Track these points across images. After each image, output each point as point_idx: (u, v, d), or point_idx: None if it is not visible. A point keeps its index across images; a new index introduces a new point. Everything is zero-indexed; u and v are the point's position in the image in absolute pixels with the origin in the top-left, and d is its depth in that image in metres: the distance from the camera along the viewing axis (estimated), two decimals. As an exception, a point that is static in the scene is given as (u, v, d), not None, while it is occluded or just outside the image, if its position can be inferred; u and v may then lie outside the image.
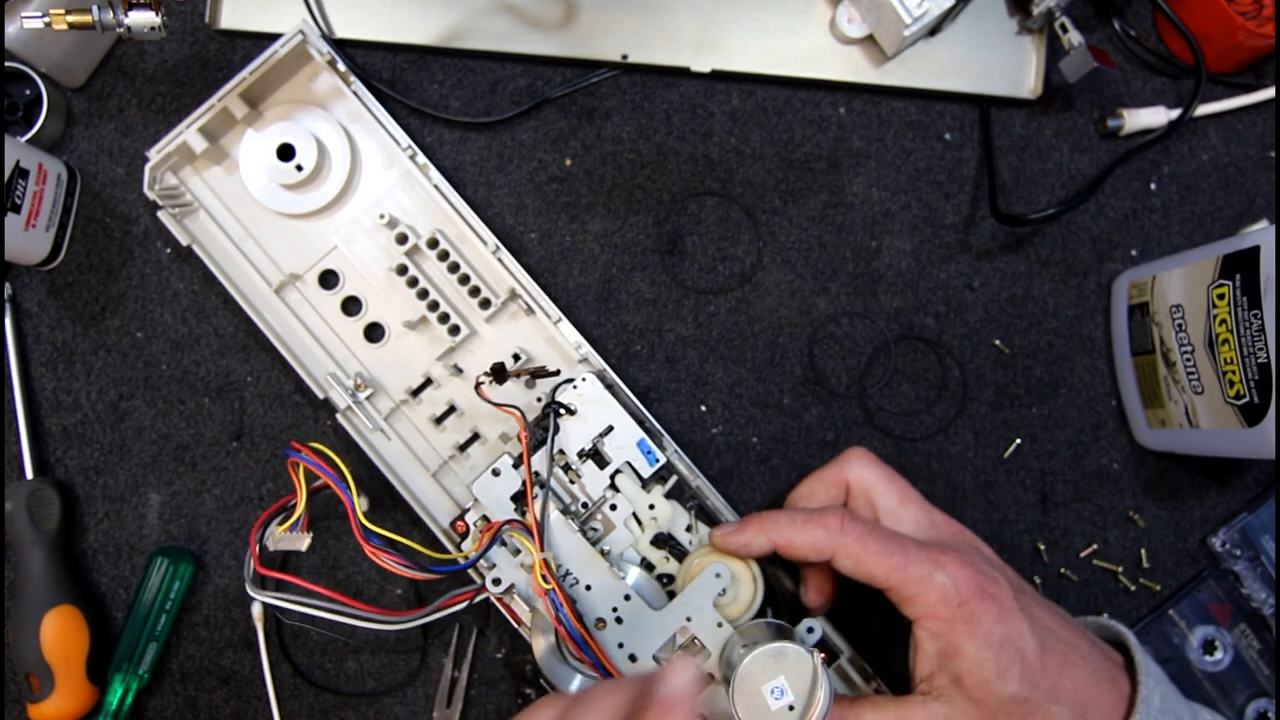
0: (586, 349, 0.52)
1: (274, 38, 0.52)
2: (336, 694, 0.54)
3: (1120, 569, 0.56)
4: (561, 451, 0.50)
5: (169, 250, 0.56)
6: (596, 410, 0.50)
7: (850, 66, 0.57)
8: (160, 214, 0.52)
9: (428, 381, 0.54)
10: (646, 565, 0.50)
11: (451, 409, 0.54)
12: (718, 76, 0.57)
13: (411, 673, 0.55)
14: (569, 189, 0.57)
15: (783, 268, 0.57)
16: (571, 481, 0.50)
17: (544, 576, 0.46)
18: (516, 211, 0.57)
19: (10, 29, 0.52)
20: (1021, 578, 0.44)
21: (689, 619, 0.47)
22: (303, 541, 0.48)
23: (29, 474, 0.54)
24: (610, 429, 0.50)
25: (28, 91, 0.55)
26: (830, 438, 0.56)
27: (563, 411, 0.50)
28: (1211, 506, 0.57)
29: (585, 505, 0.50)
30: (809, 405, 0.57)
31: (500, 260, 0.52)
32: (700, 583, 0.48)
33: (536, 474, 0.48)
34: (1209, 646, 0.55)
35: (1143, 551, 0.56)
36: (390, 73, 0.57)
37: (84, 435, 0.55)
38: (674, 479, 0.51)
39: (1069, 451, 0.57)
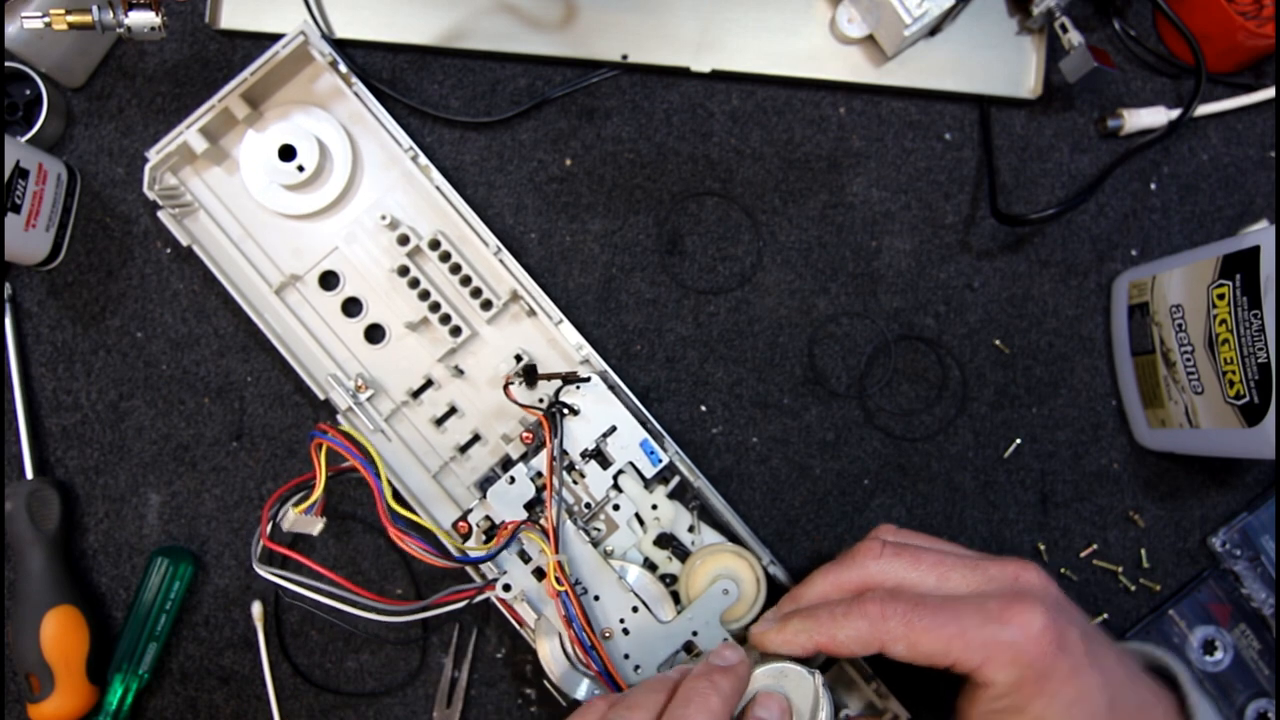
0: (587, 350, 0.52)
1: (274, 38, 0.52)
2: (336, 694, 0.54)
3: (1120, 569, 0.56)
4: (565, 452, 0.50)
5: (169, 250, 0.56)
6: (599, 410, 0.50)
7: (850, 66, 0.57)
8: (160, 214, 0.52)
9: (428, 383, 0.54)
10: (649, 565, 0.50)
11: (452, 410, 0.54)
12: (718, 76, 0.57)
13: (411, 673, 0.55)
14: (569, 189, 0.57)
15: (783, 268, 0.57)
16: (575, 482, 0.50)
17: (557, 579, 0.46)
18: (516, 211, 0.57)
19: (10, 29, 0.52)
20: (1086, 616, 0.41)
21: (695, 633, 0.48)
22: (316, 525, 0.48)
23: (29, 474, 0.54)
24: (613, 429, 0.50)
25: (28, 91, 0.55)
26: (830, 438, 0.56)
27: (566, 412, 0.50)
28: (1211, 506, 0.57)
29: (588, 506, 0.50)
30: (809, 405, 0.57)
31: (502, 261, 0.52)
32: (708, 597, 0.48)
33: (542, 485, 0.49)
34: (1209, 646, 0.55)
35: (1143, 551, 0.56)
36: (390, 73, 0.57)
37: (84, 435, 0.55)
38: (676, 479, 0.52)
39: (1069, 451, 0.57)
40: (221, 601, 0.55)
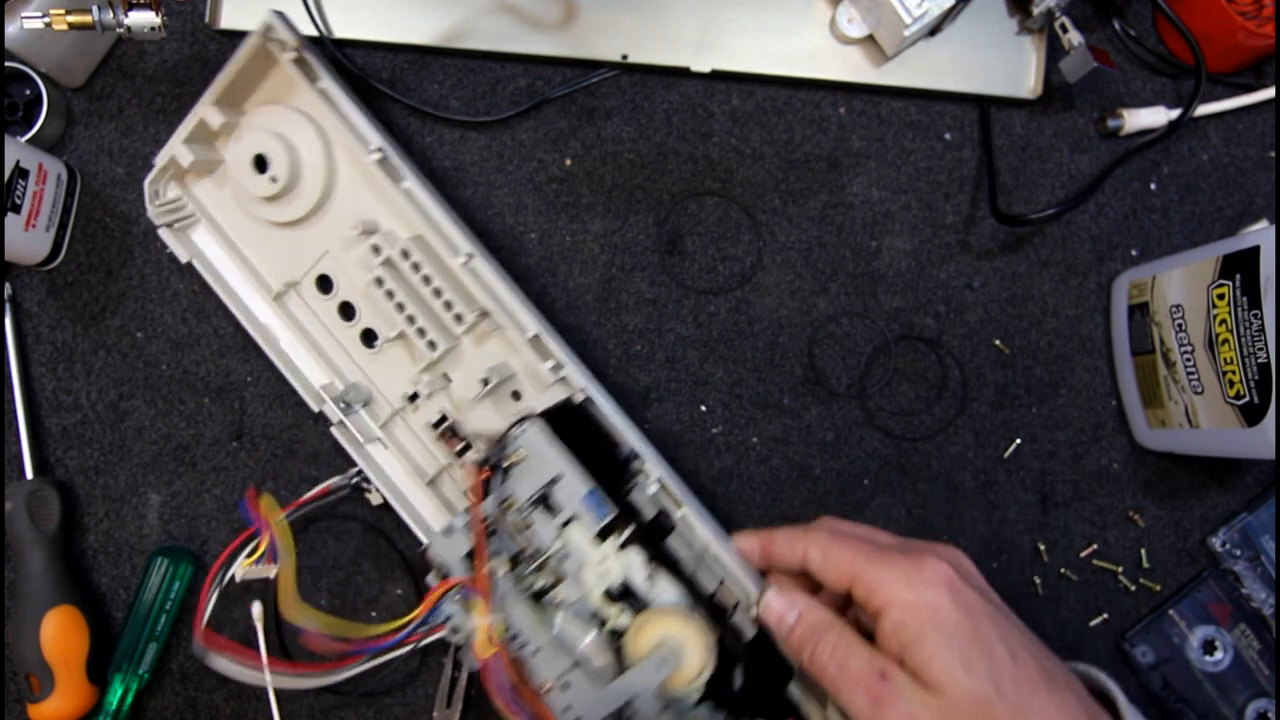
0: (567, 369, 0.48)
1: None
2: (336, 694, 0.54)
3: (1120, 569, 0.56)
4: (511, 498, 0.46)
5: (169, 251, 0.56)
6: (545, 456, 0.45)
7: (850, 66, 0.57)
8: (161, 232, 0.52)
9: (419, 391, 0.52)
10: (599, 619, 0.46)
11: (444, 418, 0.52)
12: (718, 76, 0.57)
13: (411, 673, 0.55)
14: (569, 189, 0.57)
15: (783, 268, 0.57)
16: (521, 530, 0.46)
17: (489, 640, 0.43)
18: (516, 211, 0.57)
19: (10, 29, 0.52)
20: (1006, 606, 0.41)
21: (633, 700, 0.44)
22: (271, 570, 0.48)
23: (29, 474, 0.54)
24: (559, 478, 0.45)
25: (28, 91, 0.55)
26: (830, 438, 0.56)
27: (504, 467, 0.46)
28: (1211, 506, 0.57)
29: (535, 554, 0.46)
30: (809, 405, 0.57)
31: (472, 271, 0.48)
32: (646, 665, 0.44)
33: (490, 530, 0.45)
34: (1209, 646, 0.55)
35: (1143, 551, 0.56)
36: (390, 73, 0.57)
37: (84, 435, 0.55)
38: (630, 528, 0.46)
39: (1069, 451, 0.57)
40: (222, 601, 0.55)
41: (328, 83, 0.49)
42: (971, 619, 0.38)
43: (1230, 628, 0.55)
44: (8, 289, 0.55)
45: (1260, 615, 0.55)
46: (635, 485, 0.47)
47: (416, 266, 0.50)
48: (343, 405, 0.51)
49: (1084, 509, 0.57)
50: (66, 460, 0.55)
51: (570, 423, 0.47)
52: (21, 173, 0.51)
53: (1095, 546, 0.56)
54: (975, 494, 0.56)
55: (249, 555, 0.48)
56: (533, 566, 0.46)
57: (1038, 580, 0.56)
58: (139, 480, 0.55)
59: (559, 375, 0.48)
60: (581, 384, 0.48)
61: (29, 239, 0.53)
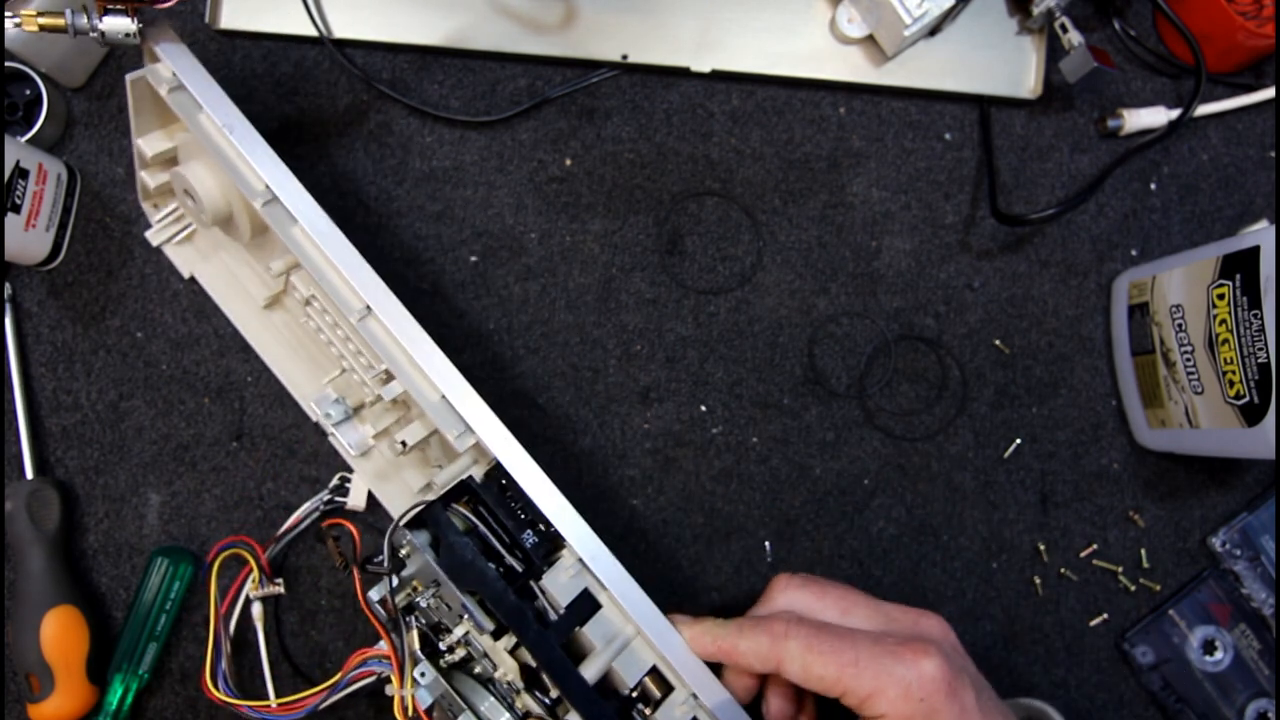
0: (477, 435, 0.42)
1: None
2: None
3: (1120, 569, 0.56)
4: (417, 580, 0.44)
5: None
6: (426, 562, 0.42)
7: (850, 66, 0.57)
8: (164, 249, 0.52)
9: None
10: (509, 702, 0.44)
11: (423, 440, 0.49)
12: (718, 76, 0.57)
13: (411, 673, 0.55)
14: (569, 189, 0.57)
15: (783, 268, 0.57)
16: (431, 607, 0.44)
17: (402, 712, 0.44)
18: (516, 211, 0.57)
19: (10, 29, 0.52)
20: (980, 673, 0.41)
21: None
22: (278, 589, 0.53)
23: (29, 474, 0.54)
24: (440, 583, 0.42)
25: (28, 91, 0.55)
26: (830, 438, 0.56)
27: (386, 568, 0.44)
28: (1211, 506, 0.57)
29: (448, 630, 0.44)
30: (809, 405, 0.57)
31: (366, 328, 0.43)
32: None
33: (400, 615, 0.44)
34: (1209, 646, 0.55)
35: (1143, 551, 0.56)
36: (390, 73, 0.57)
37: (84, 435, 0.55)
38: (515, 640, 0.42)
39: (1069, 451, 0.57)
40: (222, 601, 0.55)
41: (205, 117, 0.43)
42: (964, 717, 0.37)
43: (1230, 628, 0.55)
44: (8, 289, 0.55)
45: (1260, 615, 0.55)
46: (553, 565, 0.43)
47: (325, 312, 0.48)
48: (328, 415, 0.51)
49: (1084, 509, 0.57)
50: (66, 460, 0.55)
51: (479, 496, 0.44)
52: (21, 173, 0.51)
53: (1095, 546, 0.56)
54: (975, 494, 0.56)
55: (253, 581, 0.52)
56: (446, 642, 0.44)
57: (1038, 580, 0.56)
58: (139, 480, 0.55)
59: (467, 444, 0.42)
60: (494, 453, 0.42)
61: (29, 239, 0.53)
